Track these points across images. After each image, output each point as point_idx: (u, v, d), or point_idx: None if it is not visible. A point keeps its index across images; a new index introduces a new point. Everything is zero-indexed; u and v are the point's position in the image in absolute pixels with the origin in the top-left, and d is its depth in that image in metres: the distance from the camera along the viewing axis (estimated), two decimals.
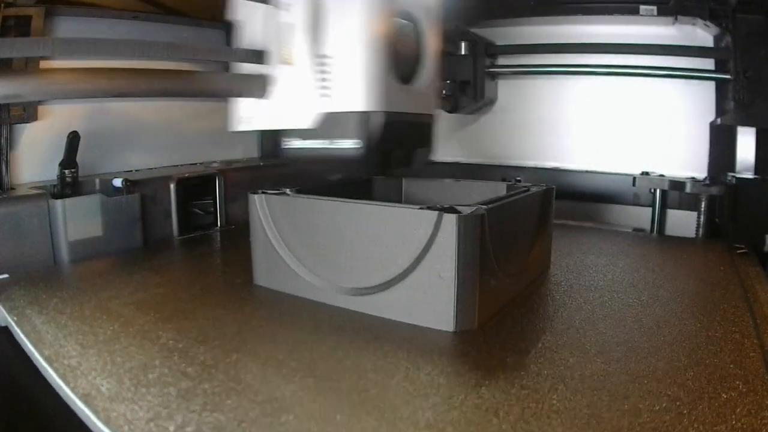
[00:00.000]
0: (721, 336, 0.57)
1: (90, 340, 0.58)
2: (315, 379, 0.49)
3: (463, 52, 1.23)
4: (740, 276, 0.77)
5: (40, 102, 1.02)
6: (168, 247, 1.03)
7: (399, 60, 0.65)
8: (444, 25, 0.73)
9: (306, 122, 0.65)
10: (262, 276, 0.74)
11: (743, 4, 1.02)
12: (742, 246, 0.93)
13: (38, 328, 0.61)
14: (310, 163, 0.70)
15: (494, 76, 1.32)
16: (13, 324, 0.64)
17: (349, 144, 0.63)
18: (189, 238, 1.09)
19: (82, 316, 0.64)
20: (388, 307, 0.62)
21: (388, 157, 0.73)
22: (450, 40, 1.21)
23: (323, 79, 0.63)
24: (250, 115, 0.71)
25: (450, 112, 1.27)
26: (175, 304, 0.68)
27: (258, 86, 0.67)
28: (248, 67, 0.69)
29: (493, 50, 1.29)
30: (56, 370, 0.52)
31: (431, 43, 0.72)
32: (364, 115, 0.62)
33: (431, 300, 0.59)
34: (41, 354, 0.56)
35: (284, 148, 0.69)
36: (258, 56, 0.67)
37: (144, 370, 0.51)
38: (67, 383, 0.50)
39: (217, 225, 1.16)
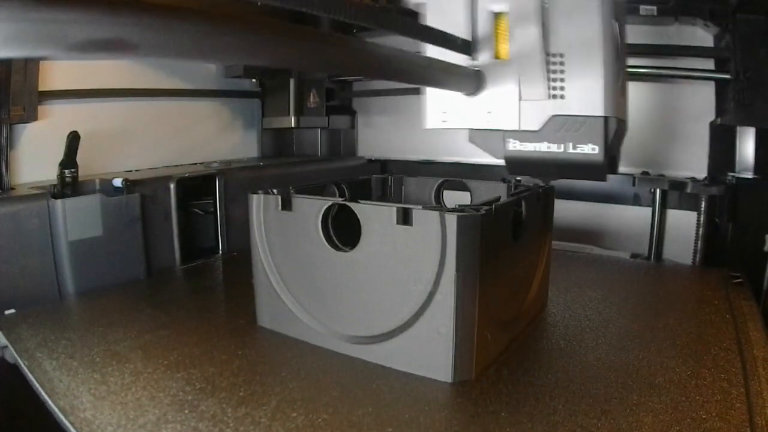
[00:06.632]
0: (709, 384, 0.58)
1: (102, 390, 0.60)
2: None
3: None
4: (734, 312, 0.77)
5: (40, 102, 1.01)
6: (170, 278, 1.04)
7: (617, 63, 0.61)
8: None
9: (517, 123, 0.61)
10: (266, 318, 0.75)
11: (743, 4, 0.99)
12: (738, 275, 0.93)
13: (50, 375, 0.63)
14: (532, 168, 0.65)
15: None
16: (26, 368, 0.66)
17: (587, 150, 0.59)
18: (191, 267, 1.09)
19: (92, 362, 0.66)
20: (388, 356, 0.64)
21: (612, 163, 0.67)
22: None
23: (553, 80, 0.59)
24: (446, 111, 0.66)
25: None
26: (181, 348, 0.70)
27: (470, 81, 0.61)
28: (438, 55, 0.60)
29: None
30: (72, 424, 0.55)
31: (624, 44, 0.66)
32: (605, 120, 0.59)
33: (430, 352, 0.60)
34: (56, 405, 0.58)
35: (507, 152, 0.64)
36: (469, 47, 0.62)
37: (157, 425, 0.53)
38: None
39: (218, 251, 1.17)
